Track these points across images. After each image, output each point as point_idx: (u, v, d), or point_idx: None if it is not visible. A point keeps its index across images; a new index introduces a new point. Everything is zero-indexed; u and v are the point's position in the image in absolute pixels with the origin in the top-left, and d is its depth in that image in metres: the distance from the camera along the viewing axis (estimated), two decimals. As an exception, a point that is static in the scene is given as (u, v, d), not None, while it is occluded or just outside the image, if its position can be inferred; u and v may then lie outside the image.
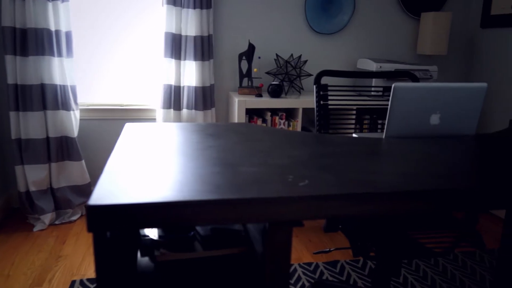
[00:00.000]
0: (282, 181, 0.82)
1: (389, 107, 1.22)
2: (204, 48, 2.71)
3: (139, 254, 1.08)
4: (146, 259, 1.06)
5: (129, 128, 1.29)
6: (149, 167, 0.90)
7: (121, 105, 2.87)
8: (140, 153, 1.01)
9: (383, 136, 1.28)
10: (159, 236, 1.09)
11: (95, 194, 0.74)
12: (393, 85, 1.20)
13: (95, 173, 2.90)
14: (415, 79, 1.97)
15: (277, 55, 2.87)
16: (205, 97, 2.77)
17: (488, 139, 1.29)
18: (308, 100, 2.69)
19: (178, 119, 2.81)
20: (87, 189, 2.72)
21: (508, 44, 2.92)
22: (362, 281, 2.14)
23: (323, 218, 0.79)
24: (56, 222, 2.62)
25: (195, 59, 2.69)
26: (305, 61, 2.92)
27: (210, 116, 2.83)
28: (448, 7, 3.22)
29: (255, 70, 2.91)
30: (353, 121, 2.86)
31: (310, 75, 2.93)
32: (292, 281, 2.10)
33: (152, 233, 1.11)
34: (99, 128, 2.85)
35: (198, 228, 1.13)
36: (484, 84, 1.25)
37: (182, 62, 2.73)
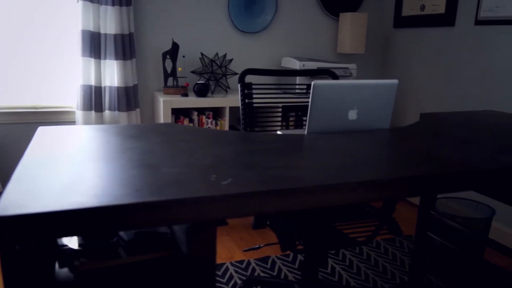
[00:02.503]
0: (204, 181, 0.82)
1: (309, 104, 1.26)
2: (126, 47, 2.61)
3: (57, 265, 1.02)
4: (65, 270, 1.00)
5: (42, 132, 1.20)
6: (63, 172, 0.85)
7: (35, 108, 2.68)
8: (54, 158, 0.94)
9: (305, 132, 1.32)
10: (79, 245, 1.04)
11: (0, 205, 0.68)
12: (312, 83, 1.24)
13: (7, 182, 2.69)
14: (335, 76, 2.05)
15: (202, 54, 2.85)
16: (128, 98, 2.68)
17: (402, 132, 1.38)
18: (234, 99, 2.70)
19: (100, 121, 2.69)
20: None
21: (418, 43, 3.15)
22: (292, 275, 2.19)
23: (247, 215, 0.80)
24: (-35, 237, 2.39)
25: (116, 58, 2.59)
26: (231, 60, 2.92)
27: (134, 117, 2.74)
28: (364, 8, 3.40)
29: (179, 69, 2.87)
30: (279, 119, 2.92)
31: (236, 73, 2.94)
32: (224, 280, 2.10)
33: (71, 242, 1.05)
34: (10, 133, 2.64)
35: (122, 233, 1.08)
36: (395, 81, 1.33)
37: (102, 61, 2.61)
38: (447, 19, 2.85)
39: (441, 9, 2.90)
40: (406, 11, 3.21)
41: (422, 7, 3.05)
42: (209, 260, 0.80)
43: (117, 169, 0.87)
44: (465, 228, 1.91)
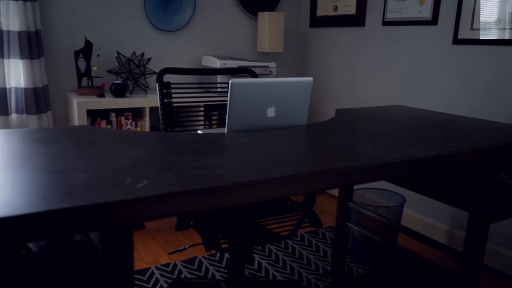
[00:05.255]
0: (118, 184, 0.78)
1: (228, 102, 1.26)
2: (32, 45, 2.43)
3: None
4: (-35, 291, 0.91)
5: None
6: (-44, 183, 0.77)
7: None
8: None
9: (225, 131, 1.32)
10: (-19, 261, 0.95)
11: None
12: (230, 81, 1.24)
13: None
14: (254, 75, 2.07)
15: (118, 52, 2.74)
16: (38, 100, 2.50)
17: (318, 127, 1.43)
18: (155, 99, 2.63)
19: (7, 126, 2.48)
20: None
21: (332, 42, 3.29)
22: (220, 274, 2.19)
23: (165, 217, 0.78)
24: None
25: (22, 57, 2.40)
26: (149, 59, 2.85)
27: (46, 120, 2.56)
28: (281, 7, 3.48)
29: (94, 68, 2.73)
30: (202, 118, 2.90)
31: (155, 73, 2.87)
32: (149, 285, 2.04)
33: (-29, 259, 0.96)
34: None
35: (31, 245, 1.01)
36: (310, 79, 1.37)
37: (5, 60, 2.41)
38: (357, 19, 3.01)
39: (352, 10, 3.05)
40: (321, 11, 3.34)
41: (335, 8, 3.19)
42: (127, 266, 0.77)
43: (21, 177, 0.81)
44: (380, 217, 2.03)
